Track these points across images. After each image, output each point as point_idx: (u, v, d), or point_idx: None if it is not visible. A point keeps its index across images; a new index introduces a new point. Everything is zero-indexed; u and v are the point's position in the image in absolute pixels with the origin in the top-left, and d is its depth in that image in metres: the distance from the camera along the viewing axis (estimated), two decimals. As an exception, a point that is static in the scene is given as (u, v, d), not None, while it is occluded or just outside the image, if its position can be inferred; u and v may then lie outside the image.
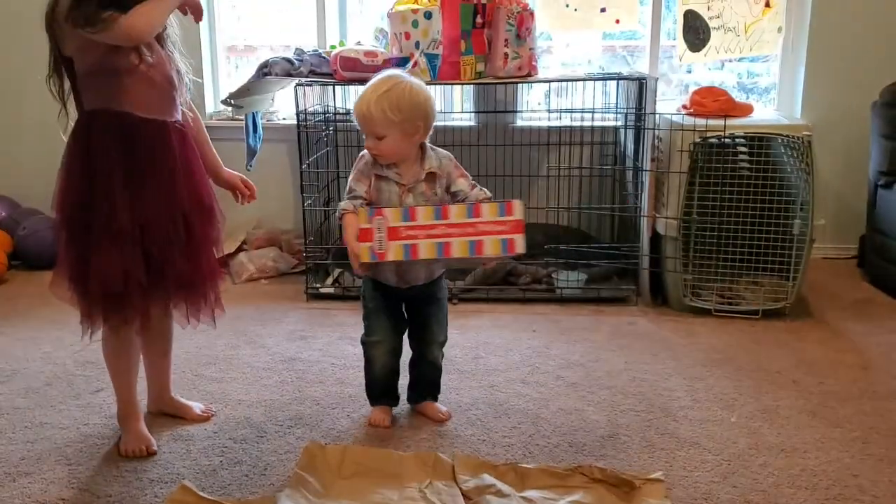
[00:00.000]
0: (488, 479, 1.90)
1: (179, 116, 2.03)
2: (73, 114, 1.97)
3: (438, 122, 3.62)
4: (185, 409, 2.30)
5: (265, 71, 3.32)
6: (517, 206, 1.91)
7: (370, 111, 2.02)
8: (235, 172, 2.28)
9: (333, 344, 2.85)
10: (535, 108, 3.93)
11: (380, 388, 2.28)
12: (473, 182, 2.13)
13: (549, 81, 3.49)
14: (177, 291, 2.04)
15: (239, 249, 3.85)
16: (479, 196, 2.10)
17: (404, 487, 1.89)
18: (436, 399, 2.30)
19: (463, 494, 1.86)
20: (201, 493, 1.84)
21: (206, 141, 2.21)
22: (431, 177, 2.11)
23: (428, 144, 2.14)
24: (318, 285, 3.44)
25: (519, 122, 3.87)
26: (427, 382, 2.30)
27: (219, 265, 2.15)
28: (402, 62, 3.24)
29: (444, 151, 2.15)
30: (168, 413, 2.30)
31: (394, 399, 2.30)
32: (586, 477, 1.93)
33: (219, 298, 2.13)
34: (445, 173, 2.12)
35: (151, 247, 1.94)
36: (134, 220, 1.92)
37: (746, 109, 3.22)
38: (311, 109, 3.53)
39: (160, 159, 1.96)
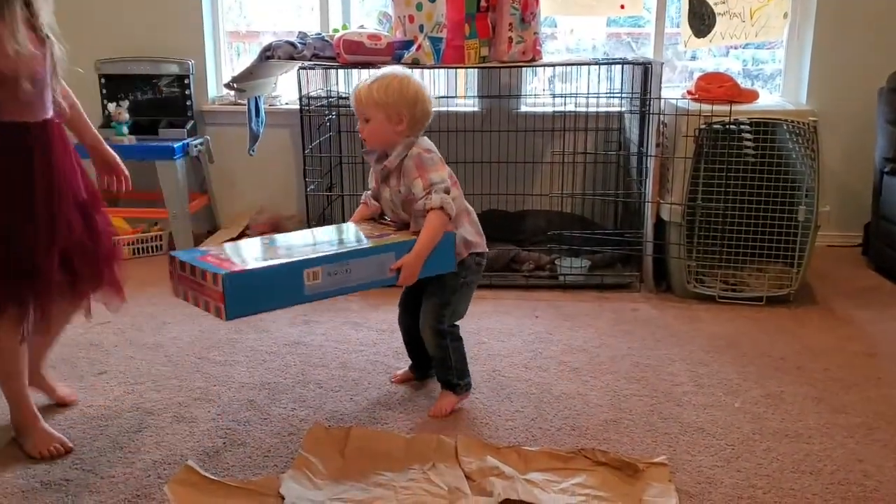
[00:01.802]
0: (491, 461, 1.90)
1: (51, 112, 1.94)
2: None
3: (441, 108, 3.68)
4: (51, 389, 2.25)
5: (268, 54, 3.30)
6: (213, 278, 1.81)
7: (361, 91, 2.10)
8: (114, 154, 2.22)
9: (337, 328, 2.85)
10: (539, 93, 3.91)
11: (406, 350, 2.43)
12: (432, 187, 2.03)
13: (553, 66, 3.47)
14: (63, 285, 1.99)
15: (241, 234, 3.85)
16: (419, 209, 2.05)
17: (407, 469, 1.89)
18: (448, 389, 2.25)
19: (466, 476, 1.86)
20: (205, 473, 1.84)
21: (84, 118, 2.14)
22: (398, 171, 2.11)
23: (410, 140, 2.10)
24: (321, 270, 3.43)
25: (523, 108, 3.85)
26: (433, 363, 2.30)
27: (113, 253, 2.10)
28: (405, 45, 3.22)
29: (417, 150, 2.08)
30: (34, 387, 2.19)
31: (414, 363, 2.42)
32: (589, 460, 1.93)
33: (117, 284, 2.09)
34: (406, 172, 2.08)
35: (37, 245, 1.90)
36: (15, 219, 1.88)
37: (752, 95, 3.20)
38: (313, 94, 3.51)
39: (34, 160, 1.90)
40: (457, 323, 2.26)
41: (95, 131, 2.18)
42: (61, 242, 1.93)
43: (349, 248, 1.99)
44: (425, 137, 2.16)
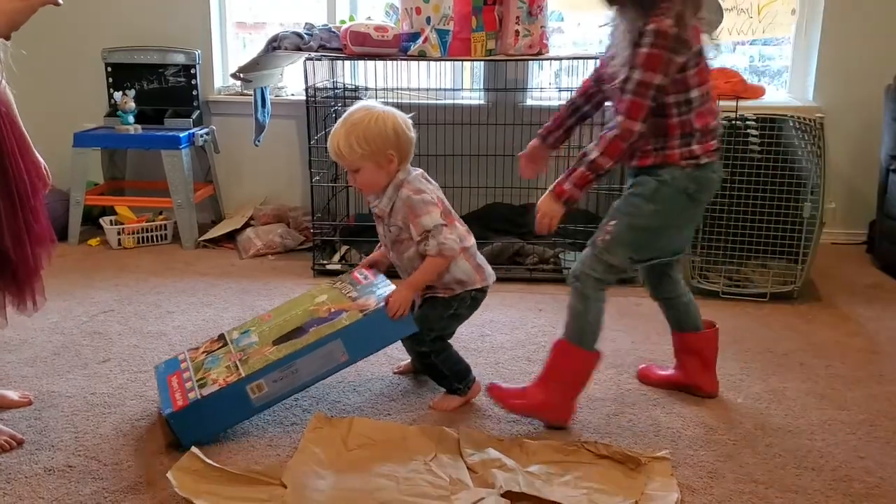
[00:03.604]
0: (493, 453, 1.90)
1: None
2: None
3: (447, 101, 3.67)
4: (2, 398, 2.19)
5: (275, 45, 3.30)
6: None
7: (340, 148, 2.05)
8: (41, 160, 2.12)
9: (340, 319, 2.85)
10: (545, 86, 3.91)
11: None
12: (428, 234, 2.04)
13: (560, 59, 3.46)
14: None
15: (246, 225, 3.85)
16: (420, 251, 2.07)
17: (410, 460, 1.89)
18: (452, 393, 2.23)
19: (468, 468, 1.86)
20: (208, 461, 1.84)
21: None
22: (389, 214, 2.11)
23: (398, 180, 2.09)
24: (325, 262, 3.44)
25: (529, 101, 3.85)
26: (428, 375, 2.30)
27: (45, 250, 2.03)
28: (412, 38, 3.22)
29: (406, 191, 2.07)
30: None
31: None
32: (592, 453, 1.93)
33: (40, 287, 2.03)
34: (401, 216, 2.09)
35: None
36: None
37: (758, 91, 3.21)
38: (319, 85, 3.51)
39: None
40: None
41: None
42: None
43: (293, 349, 2.03)
44: (416, 173, 2.13)
